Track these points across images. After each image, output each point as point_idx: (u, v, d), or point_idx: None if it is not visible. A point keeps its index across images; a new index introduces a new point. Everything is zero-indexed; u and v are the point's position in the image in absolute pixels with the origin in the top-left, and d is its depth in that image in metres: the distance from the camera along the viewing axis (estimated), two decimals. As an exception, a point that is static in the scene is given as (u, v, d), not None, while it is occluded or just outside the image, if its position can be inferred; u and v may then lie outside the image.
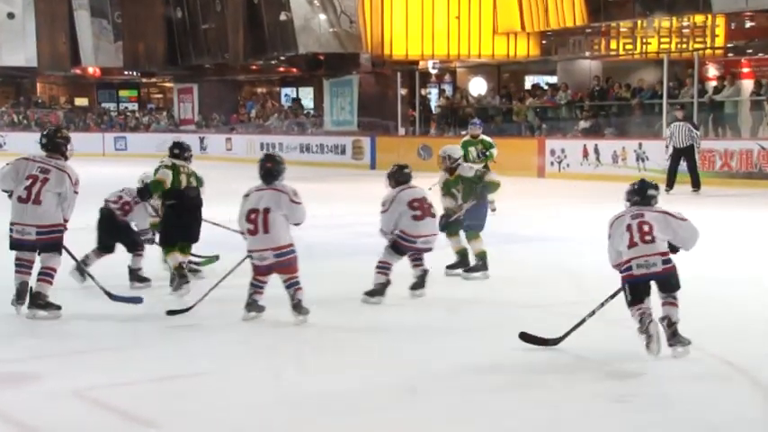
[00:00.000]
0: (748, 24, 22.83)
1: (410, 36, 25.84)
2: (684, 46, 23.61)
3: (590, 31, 24.94)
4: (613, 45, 25.25)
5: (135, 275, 7.43)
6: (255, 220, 6.10)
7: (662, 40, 24.16)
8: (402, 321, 6.38)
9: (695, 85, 18.37)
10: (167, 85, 37.03)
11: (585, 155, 18.68)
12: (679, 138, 15.24)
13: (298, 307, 6.13)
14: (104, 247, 7.43)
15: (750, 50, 22.96)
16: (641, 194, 5.48)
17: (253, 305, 6.25)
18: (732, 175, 16.51)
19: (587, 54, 25.55)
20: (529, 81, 28.43)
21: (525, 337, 5.54)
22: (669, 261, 5.31)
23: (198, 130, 31.30)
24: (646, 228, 5.30)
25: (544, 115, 21.90)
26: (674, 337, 5.23)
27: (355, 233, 10.28)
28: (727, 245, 9.58)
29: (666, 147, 15.54)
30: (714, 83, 19.97)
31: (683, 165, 15.34)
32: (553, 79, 25.94)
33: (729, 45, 23.43)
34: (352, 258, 8.73)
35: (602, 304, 5.49)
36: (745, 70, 22.37)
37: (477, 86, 26.38)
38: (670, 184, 14.96)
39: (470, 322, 6.31)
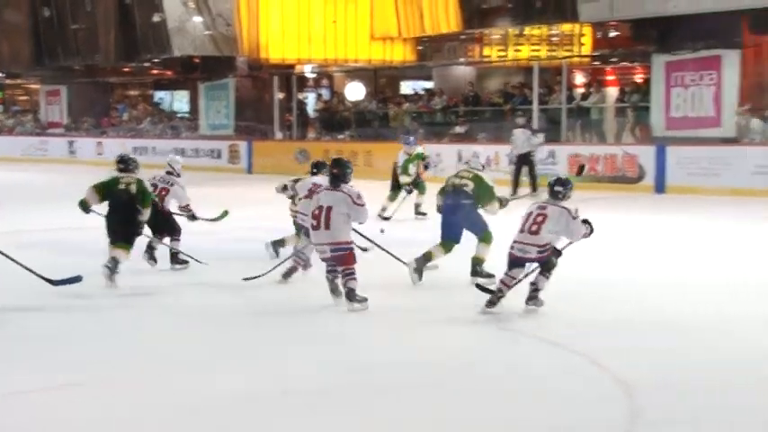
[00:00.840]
0: (613, 33, 23.73)
1: (287, 40, 25.74)
2: (554, 54, 24.40)
3: (464, 37, 25.42)
4: (487, 52, 25.83)
5: (175, 258, 8.43)
6: (319, 217, 6.68)
7: (532, 47, 24.89)
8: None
9: (563, 91, 19.04)
10: (33, 86, 35.63)
11: (460, 159, 19.03)
12: (519, 144, 15.74)
13: (349, 295, 6.65)
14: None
15: (614, 59, 23.93)
16: (550, 189, 6.59)
17: (335, 290, 6.79)
18: (598, 179, 17.14)
19: (462, 60, 26.06)
20: (405, 86, 28.76)
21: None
22: (543, 252, 6.36)
23: (66, 133, 30.25)
24: (539, 219, 6.33)
25: (420, 120, 22.21)
26: (532, 300, 6.48)
27: (232, 238, 10.16)
28: (592, 247, 9.92)
29: (511, 152, 16.00)
30: (581, 89, 20.75)
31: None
32: (429, 84, 26.33)
33: (595, 54, 24.32)
34: (226, 264, 8.62)
35: (519, 281, 6.51)
36: (610, 78, 23.34)
37: (355, 91, 26.51)
38: (514, 189, 15.28)
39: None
